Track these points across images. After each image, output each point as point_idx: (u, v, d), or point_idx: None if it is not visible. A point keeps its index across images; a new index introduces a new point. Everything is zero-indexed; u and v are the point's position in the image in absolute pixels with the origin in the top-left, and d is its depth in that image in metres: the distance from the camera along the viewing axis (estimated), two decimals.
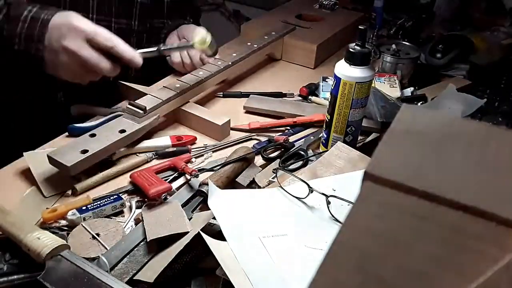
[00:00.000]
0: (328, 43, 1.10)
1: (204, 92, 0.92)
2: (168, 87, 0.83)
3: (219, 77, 0.92)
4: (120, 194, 0.66)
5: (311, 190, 0.62)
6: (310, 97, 0.96)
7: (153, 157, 0.76)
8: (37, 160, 0.70)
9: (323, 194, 0.61)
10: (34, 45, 0.70)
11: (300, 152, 0.76)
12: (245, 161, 0.71)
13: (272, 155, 0.76)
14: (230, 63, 0.93)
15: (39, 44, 0.70)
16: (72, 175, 0.66)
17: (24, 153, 0.71)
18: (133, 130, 0.73)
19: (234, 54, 0.96)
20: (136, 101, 0.77)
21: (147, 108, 0.76)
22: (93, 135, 0.71)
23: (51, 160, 0.66)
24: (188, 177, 0.69)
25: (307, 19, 1.21)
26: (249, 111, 0.90)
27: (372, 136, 0.83)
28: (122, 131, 0.73)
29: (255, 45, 1.00)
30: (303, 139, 0.81)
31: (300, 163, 0.73)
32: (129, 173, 0.72)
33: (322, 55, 1.10)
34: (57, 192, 0.67)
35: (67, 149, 0.67)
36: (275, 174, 0.69)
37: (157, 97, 0.79)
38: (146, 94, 0.86)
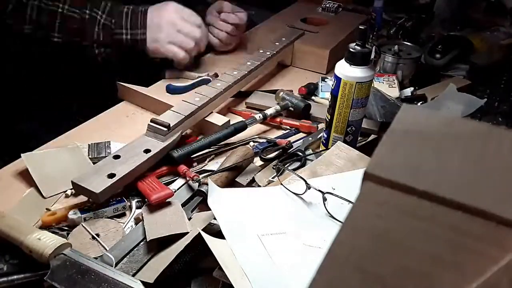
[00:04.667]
0: (338, 47, 1.08)
1: (224, 103, 0.89)
2: (188, 101, 0.79)
3: (236, 87, 0.90)
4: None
5: (308, 186, 0.62)
6: (313, 97, 0.96)
7: None
8: (35, 161, 0.69)
9: (319, 191, 0.61)
10: (140, 31, 0.90)
11: (298, 153, 0.76)
12: (245, 161, 0.71)
13: (270, 156, 0.76)
14: (246, 72, 0.90)
15: (143, 29, 0.90)
16: (100, 202, 0.63)
17: (22, 155, 0.71)
18: (158, 150, 0.70)
19: (249, 63, 0.93)
20: (158, 118, 0.74)
21: (171, 125, 0.73)
22: (117, 157, 0.67)
23: (76, 186, 0.62)
24: (189, 180, 0.69)
25: (312, 23, 1.19)
26: (250, 107, 0.91)
27: (372, 136, 0.83)
28: (147, 150, 0.69)
29: (268, 52, 0.98)
30: (302, 140, 0.81)
31: (298, 163, 0.73)
32: None
33: (333, 59, 1.07)
34: (56, 192, 0.67)
35: (91, 173, 0.63)
36: (275, 174, 0.69)
37: (179, 113, 0.76)
38: (144, 94, 0.86)
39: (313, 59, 1.06)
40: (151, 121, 0.73)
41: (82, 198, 0.66)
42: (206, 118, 0.81)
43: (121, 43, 0.90)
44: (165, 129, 0.72)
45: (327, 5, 1.25)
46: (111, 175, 0.63)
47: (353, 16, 1.25)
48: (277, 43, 1.02)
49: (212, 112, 0.83)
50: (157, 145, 0.71)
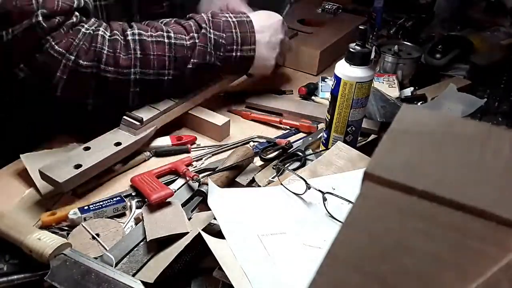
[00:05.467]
0: (331, 49, 1.08)
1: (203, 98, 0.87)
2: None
3: (219, 86, 0.89)
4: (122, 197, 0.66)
5: (308, 186, 0.62)
6: (313, 97, 0.96)
7: (151, 155, 0.76)
8: (34, 161, 0.69)
9: (319, 191, 0.61)
10: (249, 47, 0.82)
11: (298, 153, 0.76)
12: (245, 161, 0.71)
13: (270, 156, 0.76)
14: None
15: (252, 45, 0.82)
16: (64, 191, 0.64)
17: (21, 155, 0.71)
18: (129, 143, 0.71)
19: None
20: (132, 112, 0.74)
21: (144, 120, 0.73)
22: (87, 148, 0.68)
23: (43, 175, 0.63)
24: (189, 180, 0.69)
25: (309, 24, 1.19)
26: (249, 107, 0.90)
27: (372, 136, 0.83)
28: (118, 143, 0.70)
29: None
30: (302, 140, 0.81)
31: (298, 163, 0.73)
32: (127, 172, 0.72)
33: (325, 61, 1.07)
34: (56, 192, 0.66)
35: (59, 163, 0.65)
36: (275, 174, 0.69)
37: (155, 108, 0.77)
38: None
39: (305, 60, 1.06)
40: (125, 114, 0.74)
41: (81, 198, 0.66)
42: (205, 119, 0.81)
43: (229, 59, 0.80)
44: (138, 123, 0.73)
45: (327, 7, 1.25)
46: (78, 166, 0.64)
47: (351, 17, 1.24)
48: None
49: (191, 108, 0.83)
50: (128, 139, 0.72)
